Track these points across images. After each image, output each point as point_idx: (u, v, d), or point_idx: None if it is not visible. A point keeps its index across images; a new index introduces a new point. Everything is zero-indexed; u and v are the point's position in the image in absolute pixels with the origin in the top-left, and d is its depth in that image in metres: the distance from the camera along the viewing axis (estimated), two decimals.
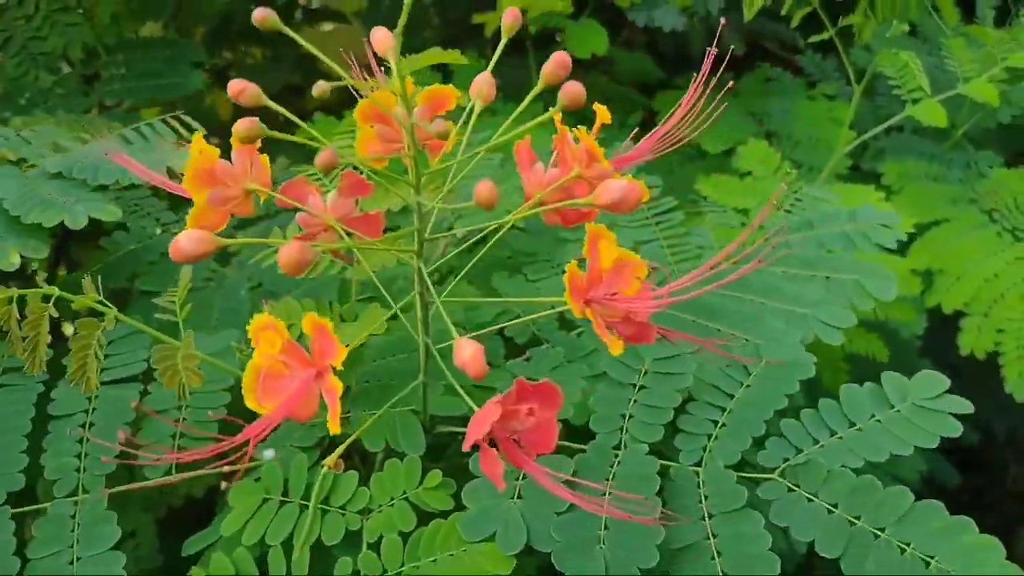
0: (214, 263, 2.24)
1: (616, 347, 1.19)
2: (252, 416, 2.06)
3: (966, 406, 1.53)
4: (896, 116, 2.92)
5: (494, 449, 1.19)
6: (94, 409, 1.72)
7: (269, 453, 1.80)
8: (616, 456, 1.60)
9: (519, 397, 1.21)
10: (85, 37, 3.04)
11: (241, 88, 1.20)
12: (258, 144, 1.36)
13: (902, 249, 2.77)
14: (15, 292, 1.39)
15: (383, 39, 1.33)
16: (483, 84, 1.36)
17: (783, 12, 2.87)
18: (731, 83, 1.62)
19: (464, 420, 1.76)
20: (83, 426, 1.71)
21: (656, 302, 1.21)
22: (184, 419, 1.75)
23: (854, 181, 3.05)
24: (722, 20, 1.74)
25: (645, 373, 1.70)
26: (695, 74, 3.64)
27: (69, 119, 2.51)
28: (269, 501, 1.59)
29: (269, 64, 3.90)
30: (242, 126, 1.12)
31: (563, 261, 2.20)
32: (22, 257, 1.79)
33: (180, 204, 2.31)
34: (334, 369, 1.13)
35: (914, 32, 3.34)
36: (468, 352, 1.09)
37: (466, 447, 1.16)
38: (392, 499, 1.58)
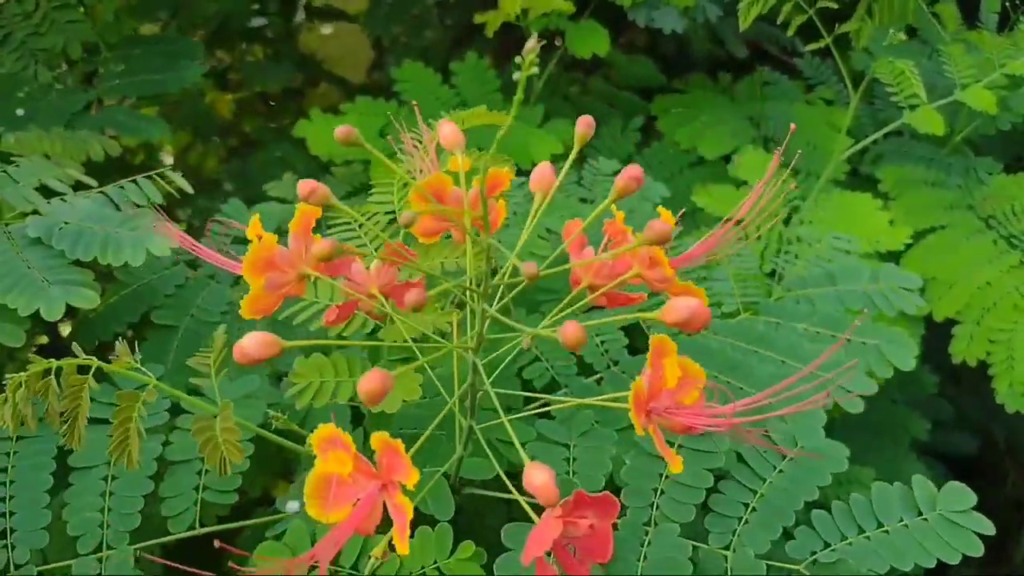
0: (231, 295, 2.20)
1: (677, 466, 1.19)
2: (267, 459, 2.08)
3: (989, 527, 1.55)
4: (894, 123, 2.92)
5: (552, 564, 1.18)
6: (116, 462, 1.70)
7: (293, 506, 1.78)
8: (647, 534, 1.61)
9: (577, 507, 1.21)
10: (84, 34, 2.98)
11: (311, 189, 1.17)
12: (312, 225, 1.33)
13: (896, 257, 2.80)
14: (53, 364, 1.35)
15: (451, 135, 1.30)
16: (544, 178, 1.34)
17: (780, 20, 2.86)
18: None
19: (492, 484, 1.78)
20: (105, 479, 1.69)
21: (718, 421, 1.21)
22: (207, 471, 1.74)
23: (853, 186, 3.05)
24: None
25: (679, 447, 1.70)
26: (694, 77, 3.63)
27: (63, 135, 2.45)
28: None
29: (270, 64, 3.83)
30: (322, 248, 1.09)
31: (582, 299, 2.19)
32: None
33: (194, 232, 2.26)
34: (404, 488, 1.11)
35: (914, 34, 3.33)
36: (540, 479, 1.08)
37: (525, 562, 1.16)
38: (423, 568, 1.57)
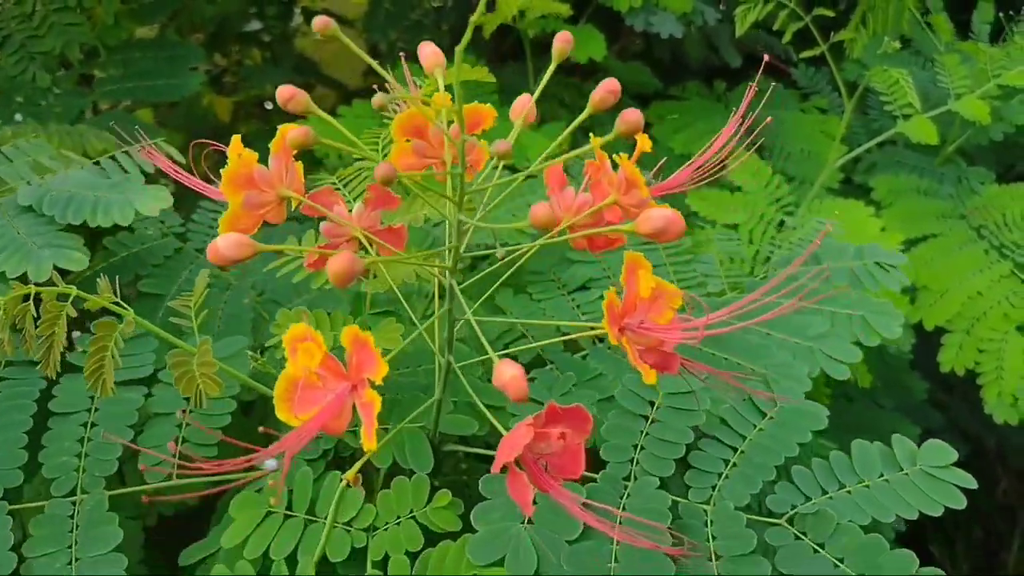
0: (216, 268, 2.21)
1: (650, 377, 1.19)
2: (247, 430, 2.07)
3: (970, 481, 1.55)
4: (887, 132, 2.94)
5: (523, 472, 1.17)
6: (97, 409, 1.70)
7: (271, 463, 1.77)
8: (626, 488, 1.60)
9: (549, 420, 1.20)
10: (84, 37, 3.02)
11: (290, 95, 1.18)
12: (294, 151, 1.34)
13: None
14: (32, 289, 1.36)
15: (431, 55, 1.32)
16: (524, 106, 1.35)
17: (776, 27, 2.90)
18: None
19: (473, 440, 1.77)
20: (84, 425, 1.68)
21: (691, 333, 1.21)
22: (188, 424, 1.73)
23: (846, 195, 3.06)
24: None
25: (658, 407, 1.69)
26: (689, 84, 3.67)
27: (60, 130, 2.48)
28: (273, 515, 1.57)
29: (267, 67, 3.87)
30: (296, 133, 1.10)
31: (568, 281, 2.20)
32: None
33: (184, 207, 2.28)
34: (372, 384, 1.11)
35: (908, 45, 3.37)
36: (509, 373, 1.08)
37: (495, 469, 1.15)
38: (399, 518, 1.56)
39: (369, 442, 1.09)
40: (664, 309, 1.25)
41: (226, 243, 1.15)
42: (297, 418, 1.12)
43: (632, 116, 1.10)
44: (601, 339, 2.07)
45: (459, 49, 1.04)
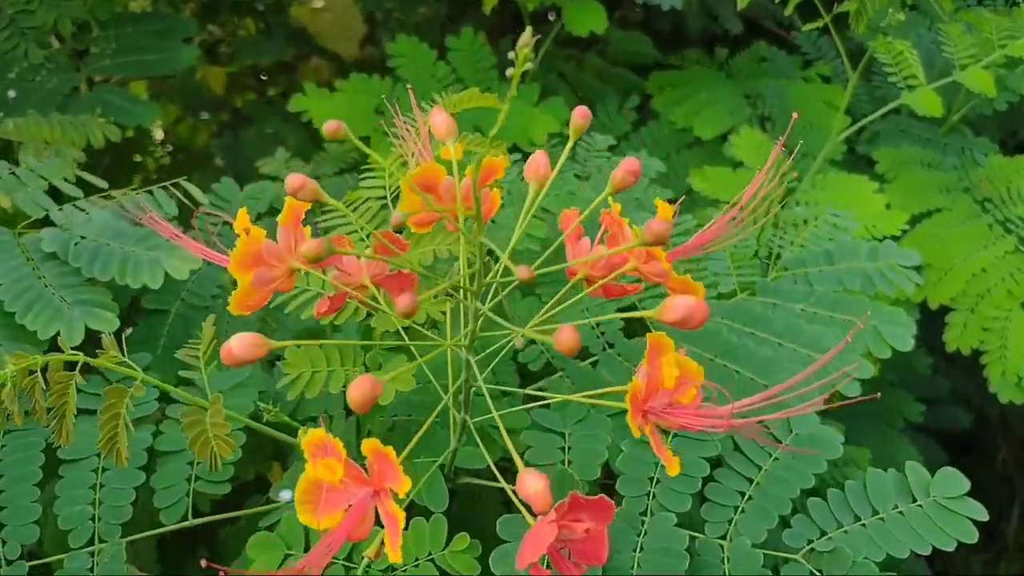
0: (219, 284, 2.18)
1: (674, 468, 1.17)
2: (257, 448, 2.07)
3: (982, 512, 1.56)
4: (891, 103, 2.88)
5: (548, 571, 1.17)
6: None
7: (286, 495, 1.77)
8: (643, 524, 1.60)
9: (572, 510, 1.19)
10: (75, 11, 2.94)
11: (300, 184, 1.14)
12: (302, 218, 1.30)
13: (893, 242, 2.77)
14: (39, 360, 1.33)
15: (443, 124, 1.26)
16: (539, 168, 1.30)
17: None
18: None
19: (486, 473, 1.76)
20: (96, 471, 1.67)
21: (716, 422, 1.19)
22: (199, 462, 1.72)
23: (849, 165, 3.02)
24: None
25: (673, 436, 1.68)
26: (689, 52, 3.57)
27: (63, 120, 2.41)
28: (291, 556, 1.57)
29: (261, 38, 3.77)
30: (311, 247, 1.06)
31: (579, 284, 2.16)
32: None
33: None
34: (395, 496, 1.09)
35: (916, 7, 3.27)
36: (534, 488, 1.07)
37: (520, 566, 1.14)
38: (417, 560, 1.56)
39: (395, 555, 1.07)
40: (687, 388, 1.22)
41: (240, 345, 1.12)
42: (320, 523, 1.10)
43: (659, 227, 1.06)
44: (611, 344, 2.05)
45: (510, 94, 0.99)
